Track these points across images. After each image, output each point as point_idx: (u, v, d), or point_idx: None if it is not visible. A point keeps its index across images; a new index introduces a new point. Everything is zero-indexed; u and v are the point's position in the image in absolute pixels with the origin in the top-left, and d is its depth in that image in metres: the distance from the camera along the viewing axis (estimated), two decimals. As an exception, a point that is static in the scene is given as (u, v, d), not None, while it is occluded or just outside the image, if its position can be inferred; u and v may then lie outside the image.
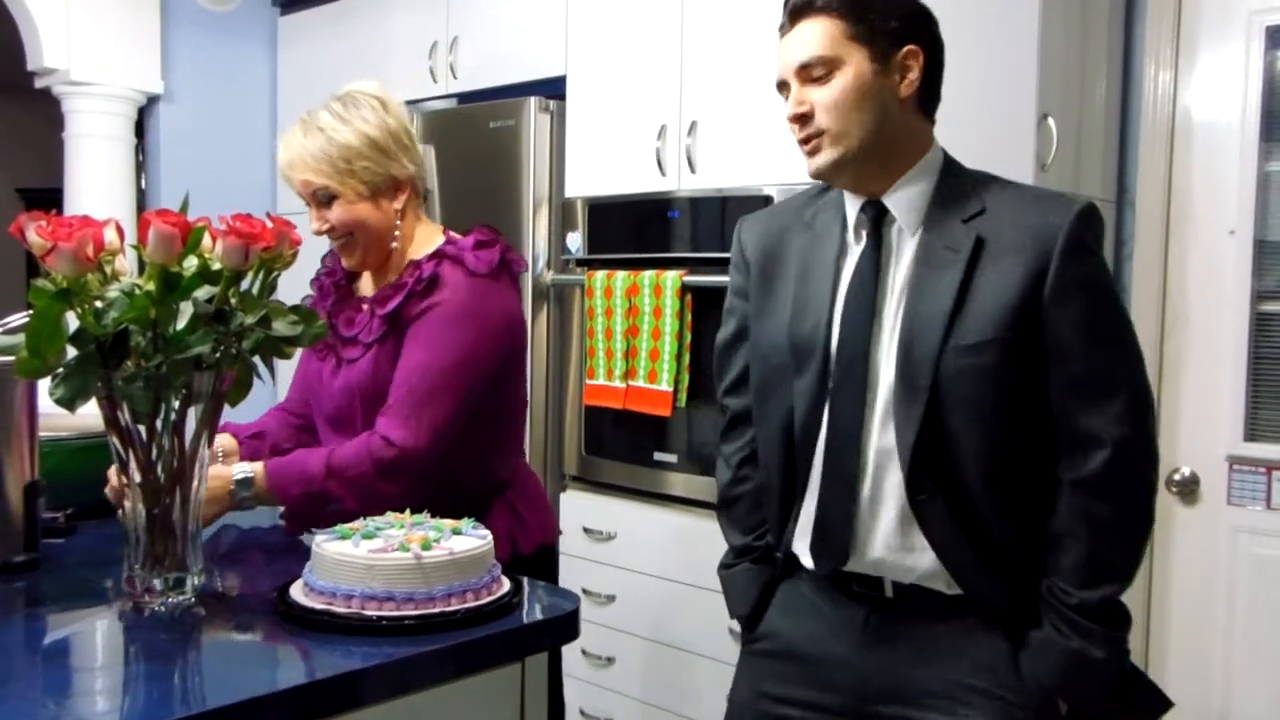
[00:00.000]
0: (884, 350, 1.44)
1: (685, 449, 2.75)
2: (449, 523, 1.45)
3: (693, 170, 2.73)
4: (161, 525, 1.40)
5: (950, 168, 1.50)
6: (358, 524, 1.43)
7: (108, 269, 1.39)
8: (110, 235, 1.39)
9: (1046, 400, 1.41)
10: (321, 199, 1.83)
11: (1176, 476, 2.63)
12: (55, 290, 1.31)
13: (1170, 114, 2.66)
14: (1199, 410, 2.62)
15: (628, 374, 2.78)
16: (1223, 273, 2.59)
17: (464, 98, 3.42)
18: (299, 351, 1.79)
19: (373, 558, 1.33)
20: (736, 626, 1.69)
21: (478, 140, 3.15)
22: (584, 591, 2.82)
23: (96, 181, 3.74)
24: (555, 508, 2.95)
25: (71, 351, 1.34)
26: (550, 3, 3.10)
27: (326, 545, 1.37)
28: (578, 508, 2.98)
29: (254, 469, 1.73)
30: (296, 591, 1.40)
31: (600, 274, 2.83)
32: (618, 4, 2.92)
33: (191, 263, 1.36)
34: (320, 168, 1.80)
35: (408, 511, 1.49)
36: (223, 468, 1.74)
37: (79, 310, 1.33)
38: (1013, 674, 1.42)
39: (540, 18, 3.14)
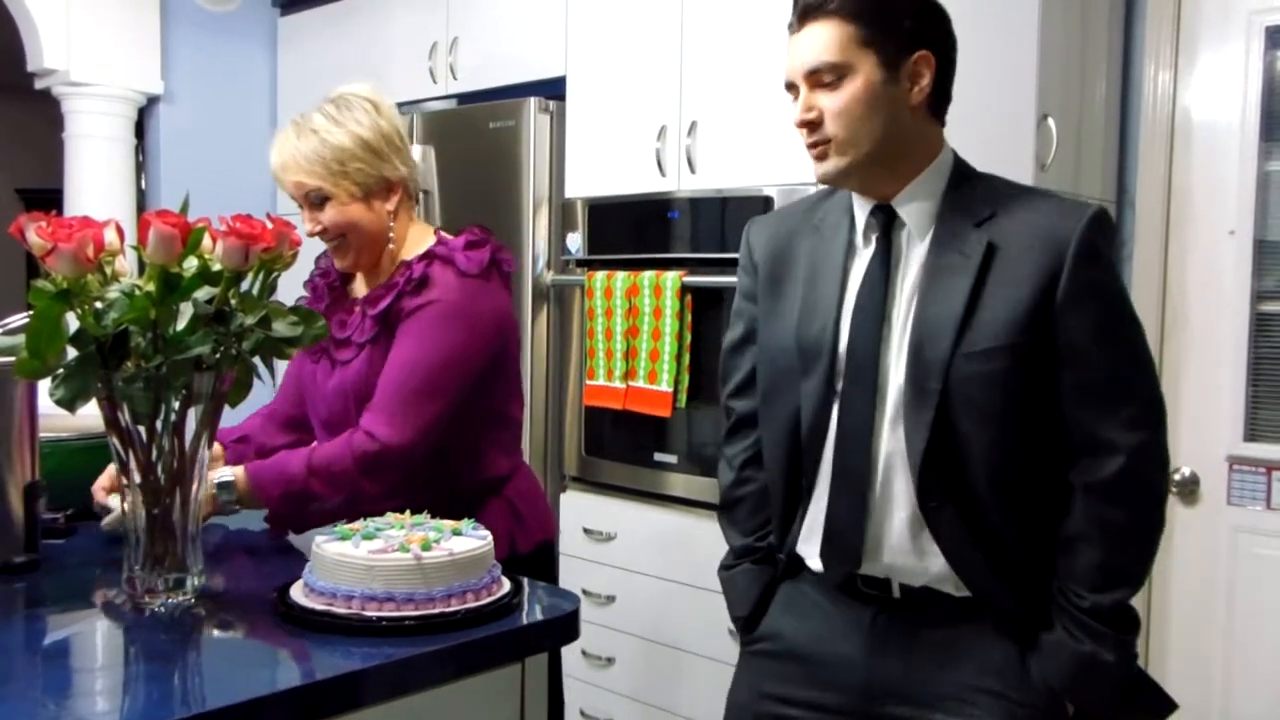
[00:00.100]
0: (894, 354, 1.43)
1: (685, 450, 2.75)
2: (449, 523, 1.45)
3: (692, 171, 2.73)
4: (161, 526, 1.40)
5: (960, 170, 1.49)
6: (358, 525, 1.43)
7: (108, 270, 1.39)
8: (110, 236, 1.39)
9: (1056, 404, 1.40)
10: (314, 200, 1.83)
11: (1177, 477, 2.63)
12: (55, 291, 1.31)
13: (1170, 114, 2.66)
14: (1199, 410, 2.62)
15: (628, 374, 2.78)
16: (1223, 273, 2.59)
17: (464, 98, 3.42)
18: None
19: (373, 558, 1.33)
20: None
21: (477, 141, 3.15)
22: (584, 592, 2.82)
23: (96, 182, 3.74)
24: (555, 508, 2.95)
25: (71, 352, 1.34)
26: (550, 3, 3.10)
27: (327, 546, 1.37)
28: (577, 508, 2.98)
29: (235, 472, 1.72)
30: (296, 592, 1.40)
31: (600, 274, 2.83)
32: (618, 4, 2.92)
33: (191, 263, 1.36)
34: (313, 169, 1.81)
35: (408, 512, 1.49)
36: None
37: (79, 311, 1.33)
38: (1021, 676, 1.42)
39: (540, 18, 3.14)
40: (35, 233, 1.31)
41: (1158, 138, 2.67)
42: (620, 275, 2.78)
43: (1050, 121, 2.44)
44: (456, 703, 1.33)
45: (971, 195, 1.45)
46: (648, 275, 2.72)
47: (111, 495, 1.70)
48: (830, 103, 1.41)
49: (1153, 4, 2.68)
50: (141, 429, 1.38)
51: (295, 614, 1.35)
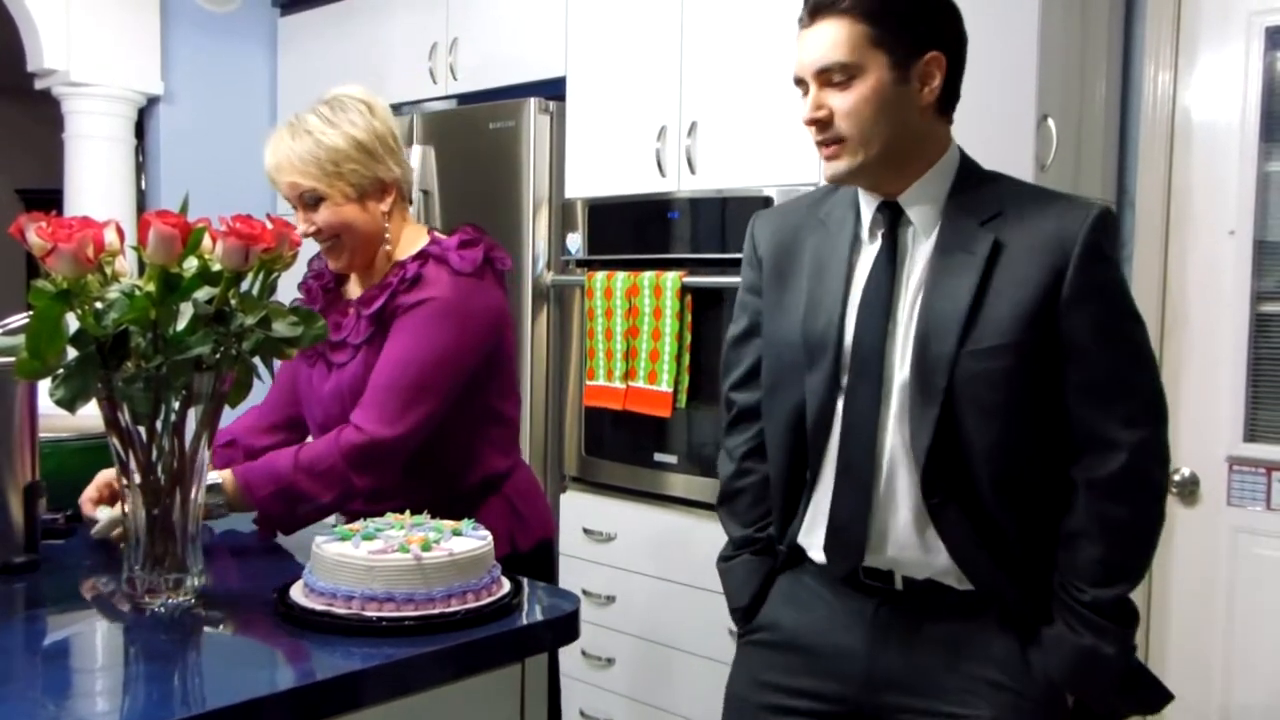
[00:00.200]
0: (898, 350, 1.44)
1: (685, 450, 2.75)
2: (449, 524, 1.45)
3: (692, 171, 2.73)
4: (161, 526, 1.40)
5: (967, 168, 1.49)
6: (358, 525, 1.43)
7: (108, 270, 1.39)
8: (110, 236, 1.39)
9: (1060, 401, 1.41)
10: (308, 201, 1.83)
11: (1176, 477, 2.63)
12: (55, 291, 1.31)
13: (1170, 114, 2.66)
14: (1199, 410, 2.62)
15: (628, 375, 2.78)
16: (1222, 273, 2.59)
17: (464, 99, 3.42)
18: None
19: (373, 559, 1.33)
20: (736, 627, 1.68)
21: (477, 141, 3.15)
22: (584, 592, 2.82)
23: (96, 182, 3.74)
24: (555, 509, 2.95)
25: (71, 352, 1.34)
26: (550, 3, 3.10)
27: (327, 546, 1.37)
28: (577, 508, 2.98)
29: (222, 475, 1.71)
30: (296, 592, 1.40)
31: (600, 275, 2.83)
32: (618, 4, 2.92)
33: (191, 264, 1.36)
34: (308, 170, 1.81)
35: (407, 513, 1.49)
36: None
37: (79, 311, 1.33)
38: (1022, 668, 1.43)
39: (540, 18, 3.14)
40: (35, 233, 1.31)
41: (1158, 138, 2.67)
42: (620, 275, 2.78)
43: (1050, 122, 2.44)
44: (456, 703, 1.33)
45: (977, 193, 1.46)
46: (648, 275, 2.72)
47: (100, 506, 1.70)
48: (840, 102, 1.41)
49: (1153, 4, 2.67)
50: (141, 429, 1.38)
51: (295, 614, 1.35)
